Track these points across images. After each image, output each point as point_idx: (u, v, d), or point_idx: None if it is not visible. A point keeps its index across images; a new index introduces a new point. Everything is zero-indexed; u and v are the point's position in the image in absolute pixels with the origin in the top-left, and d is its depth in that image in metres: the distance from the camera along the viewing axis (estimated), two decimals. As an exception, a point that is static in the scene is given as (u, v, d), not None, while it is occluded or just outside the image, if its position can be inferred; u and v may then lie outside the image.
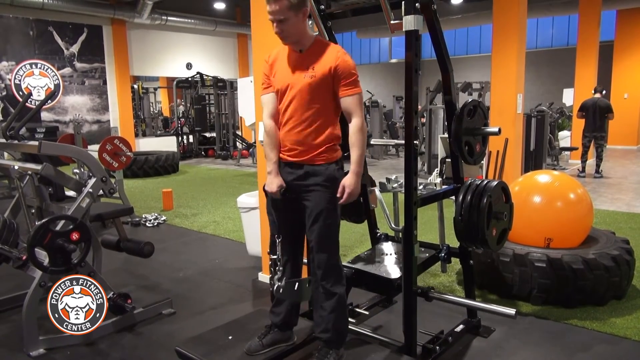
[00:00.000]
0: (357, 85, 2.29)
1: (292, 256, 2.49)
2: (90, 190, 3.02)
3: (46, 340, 2.91)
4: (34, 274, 2.95)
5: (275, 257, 2.40)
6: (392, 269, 2.89)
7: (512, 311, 2.48)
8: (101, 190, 3.09)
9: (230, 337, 2.64)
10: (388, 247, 3.29)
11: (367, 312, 3.17)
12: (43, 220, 2.78)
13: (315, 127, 2.29)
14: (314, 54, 2.29)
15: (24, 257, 2.99)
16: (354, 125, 2.27)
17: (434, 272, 4.00)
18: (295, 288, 2.42)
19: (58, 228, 2.81)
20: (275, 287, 2.38)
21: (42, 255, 2.80)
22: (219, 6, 14.13)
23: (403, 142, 2.50)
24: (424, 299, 2.74)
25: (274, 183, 2.35)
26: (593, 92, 9.05)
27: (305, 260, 2.61)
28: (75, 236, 2.83)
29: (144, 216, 6.20)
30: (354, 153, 2.28)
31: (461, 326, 2.96)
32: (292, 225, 2.45)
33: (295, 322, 2.61)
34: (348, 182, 2.29)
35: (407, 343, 2.55)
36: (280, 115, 2.37)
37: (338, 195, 2.31)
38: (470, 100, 2.84)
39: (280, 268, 2.39)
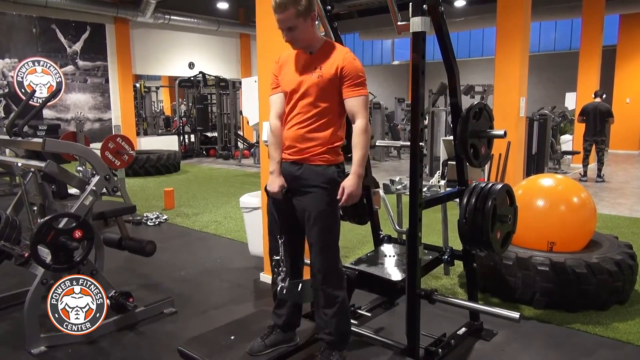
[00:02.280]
0: (363, 87, 2.28)
1: (293, 257, 2.48)
2: (94, 188, 3.01)
3: (47, 338, 2.91)
4: (36, 271, 2.94)
5: (278, 258, 2.39)
6: (395, 270, 2.89)
7: (516, 315, 2.46)
8: (104, 189, 3.09)
9: (232, 337, 2.64)
10: (391, 249, 3.29)
11: (369, 314, 3.16)
12: (46, 218, 2.77)
13: (317, 125, 2.29)
14: (323, 55, 2.30)
15: (27, 255, 2.98)
16: (357, 126, 2.26)
17: (436, 275, 4.00)
18: (299, 289, 2.42)
19: (61, 226, 2.80)
20: (278, 288, 2.36)
21: (45, 253, 2.79)
22: (222, 6, 14.14)
23: (408, 143, 2.49)
24: (427, 301, 2.72)
25: (275, 183, 2.34)
26: (593, 96, 9.05)
27: (307, 261, 2.61)
28: (78, 234, 2.82)
29: (145, 215, 6.19)
30: (356, 154, 2.26)
31: (464, 329, 2.95)
32: (293, 226, 2.43)
33: (298, 323, 2.61)
34: (348, 183, 2.28)
35: (410, 345, 2.55)
36: (287, 111, 2.38)
37: (338, 197, 2.28)
38: (476, 102, 2.84)
39: (284, 269, 2.38)
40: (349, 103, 2.26)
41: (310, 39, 2.29)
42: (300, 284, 2.43)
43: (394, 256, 3.16)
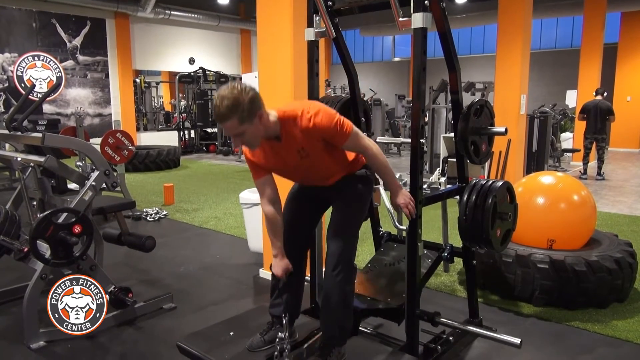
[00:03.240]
0: (344, 128, 2.17)
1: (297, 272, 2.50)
2: (93, 183, 3.01)
3: (46, 333, 2.91)
4: (35, 266, 2.94)
5: (282, 335, 2.37)
6: (397, 289, 2.83)
7: (517, 340, 2.48)
8: (103, 184, 3.08)
9: (231, 333, 2.63)
10: (391, 254, 3.22)
11: (368, 311, 3.15)
12: (45, 213, 2.77)
13: (334, 168, 2.34)
14: (292, 136, 2.17)
15: (26, 249, 2.98)
16: (368, 157, 2.30)
17: (436, 272, 3.98)
18: None
19: (60, 221, 2.80)
20: None
21: (44, 248, 2.79)
22: (223, 1, 14.10)
23: (409, 140, 2.48)
24: (430, 323, 2.71)
25: (279, 266, 2.34)
26: (594, 94, 9.04)
27: (307, 277, 2.65)
28: (77, 229, 2.82)
29: (145, 210, 6.19)
30: (385, 177, 2.35)
31: (463, 326, 2.95)
32: (302, 242, 2.52)
33: (297, 314, 2.61)
34: (399, 200, 2.35)
35: (409, 342, 2.55)
36: (298, 179, 2.42)
37: (404, 212, 2.36)
38: (477, 99, 2.83)
39: (288, 346, 2.37)
40: (346, 147, 2.28)
41: (265, 133, 2.13)
42: None
43: (394, 264, 3.09)
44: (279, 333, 2.40)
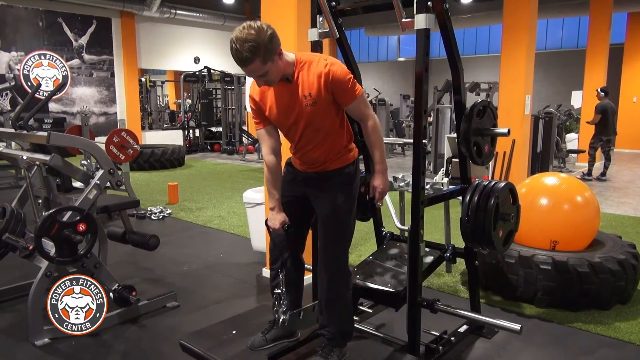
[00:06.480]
0: (355, 87, 2.21)
1: (294, 283, 2.52)
2: (98, 182, 3.03)
3: (51, 330, 2.92)
4: (40, 263, 2.96)
5: (279, 291, 2.39)
6: (397, 278, 2.85)
7: (517, 326, 2.47)
8: (108, 182, 3.10)
9: (234, 332, 2.65)
10: (393, 249, 3.25)
11: (370, 310, 3.16)
12: (50, 211, 2.79)
13: (329, 142, 2.30)
14: (303, 78, 2.18)
15: (31, 247, 3.00)
16: (368, 126, 2.27)
17: (438, 272, 3.99)
18: (300, 317, 2.47)
19: (65, 219, 2.82)
20: (280, 320, 2.37)
21: (49, 246, 2.81)
22: (228, 1, 14.13)
23: (411, 141, 2.49)
24: (429, 310, 2.71)
25: (276, 219, 2.34)
26: (603, 94, 8.84)
27: (308, 266, 2.63)
28: (82, 227, 2.84)
29: (149, 209, 6.22)
30: (376, 153, 2.29)
31: (465, 327, 2.95)
32: (295, 253, 2.50)
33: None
34: (377, 182, 2.33)
35: (411, 342, 2.55)
36: (291, 142, 2.36)
37: (370, 196, 2.35)
38: (480, 100, 2.83)
39: (285, 302, 2.38)
40: (350, 110, 2.26)
41: (284, 71, 2.16)
42: (302, 312, 2.48)
43: (395, 259, 3.12)
44: (275, 288, 2.40)
